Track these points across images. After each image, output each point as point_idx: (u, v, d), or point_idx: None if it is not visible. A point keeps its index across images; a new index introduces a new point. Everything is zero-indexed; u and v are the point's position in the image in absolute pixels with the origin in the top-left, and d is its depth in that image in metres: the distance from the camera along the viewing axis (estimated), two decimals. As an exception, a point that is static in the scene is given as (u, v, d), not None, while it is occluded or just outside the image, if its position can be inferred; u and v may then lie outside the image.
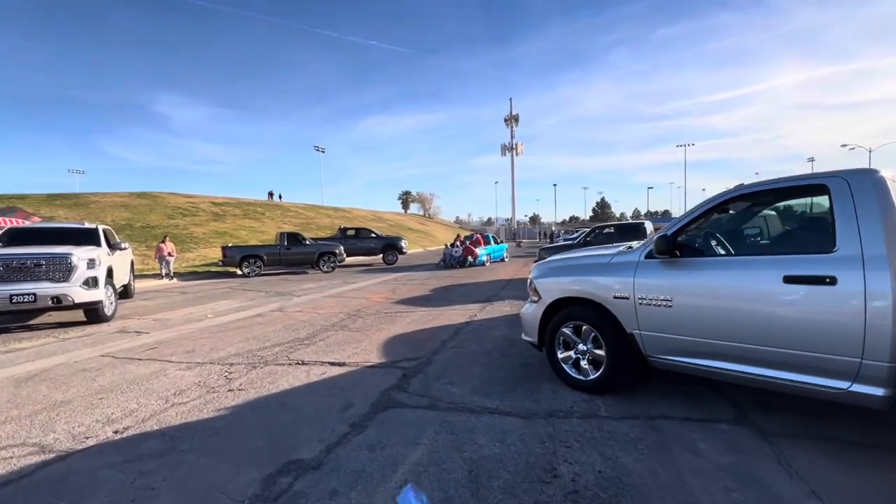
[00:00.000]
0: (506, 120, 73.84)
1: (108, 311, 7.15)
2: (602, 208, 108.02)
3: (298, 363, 4.58)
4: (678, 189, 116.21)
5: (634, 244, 3.60)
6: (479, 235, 20.61)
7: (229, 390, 3.81)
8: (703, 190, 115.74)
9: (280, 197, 44.72)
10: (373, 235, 20.82)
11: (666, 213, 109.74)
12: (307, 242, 16.44)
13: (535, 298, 3.88)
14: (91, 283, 6.67)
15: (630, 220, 12.62)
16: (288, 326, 6.57)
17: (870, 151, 40.82)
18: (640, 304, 3.04)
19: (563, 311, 3.62)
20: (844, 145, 40.49)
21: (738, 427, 2.81)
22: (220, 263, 15.34)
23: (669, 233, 2.97)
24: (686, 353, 2.89)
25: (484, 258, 18.29)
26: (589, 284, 3.41)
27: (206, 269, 17.06)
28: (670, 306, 2.90)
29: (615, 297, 3.20)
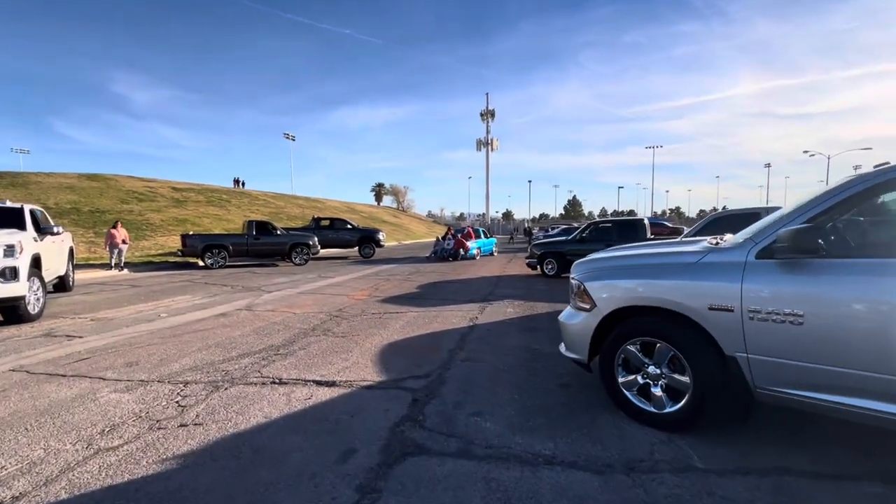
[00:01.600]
0: (482, 114, 72.79)
1: (32, 308, 5.88)
2: (573, 206, 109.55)
3: (275, 382, 3.61)
4: (643, 190, 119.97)
5: (724, 238, 2.84)
6: (470, 229, 20.29)
7: (181, 425, 2.81)
8: (667, 192, 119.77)
9: (243, 184, 42.47)
10: (349, 227, 19.64)
11: (631, 213, 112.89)
12: (278, 232, 15.13)
13: (586, 306, 3.07)
14: (9, 274, 5.40)
15: (629, 217, 12.02)
16: (259, 330, 5.53)
17: (829, 158, 42.67)
18: (752, 318, 2.28)
19: (628, 322, 2.84)
20: (806, 152, 42.21)
21: (893, 488, 2.09)
22: (180, 253, 13.85)
23: (801, 224, 2.21)
24: (820, 386, 2.15)
25: (475, 251, 18.09)
26: (670, 290, 2.62)
27: (164, 259, 15.46)
28: (800, 323, 2.14)
29: (711, 309, 2.42)
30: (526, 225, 76.88)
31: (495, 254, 21.38)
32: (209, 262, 13.68)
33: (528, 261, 11.60)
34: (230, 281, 10.76)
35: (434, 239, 20.86)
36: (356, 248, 19.36)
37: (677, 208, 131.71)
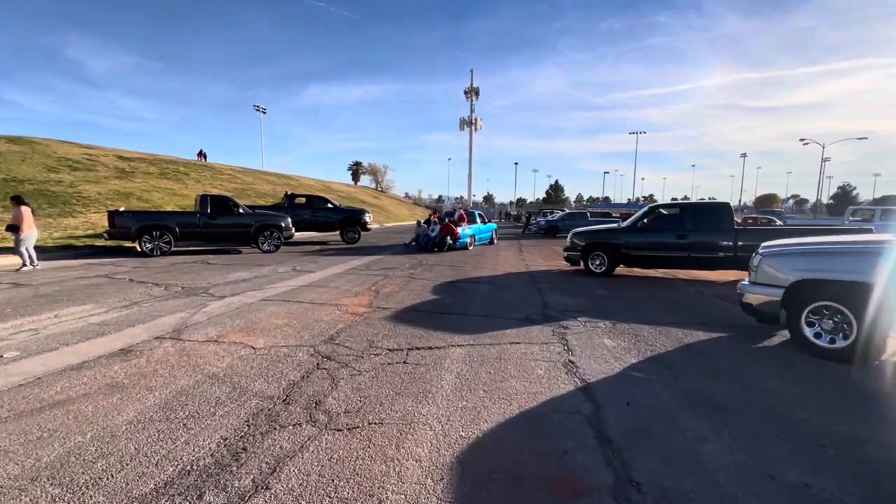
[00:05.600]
0: (466, 92, 69.20)
1: None
2: (555, 191, 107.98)
3: None
4: (621, 176, 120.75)
5: None
6: (463, 211, 16.34)
7: None
8: (643, 179, 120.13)
9: (205, 157, 38.26)
10: (329, 206, 16.57)
11: (607, 199, 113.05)
12: (240, 211, 12.00)
13: None
14: None
15: (708, 201, 9.60)
16: (176, 400, 2.78)
17: (823, 147, 41.88)
18: None
19: None
20: (802, 140, 41.17)
21: None
22: (106, 236, 10.58)
23: None
24: None
25: (467, 240, 14.34)
26: None
27: (91, 242, 12.12)
28: None
29: None
30: (509, 210, 74.66)
31: (495, 241, 17.73)
32: (147, 247, 10.49)
33: (567, 254, 9.06)
34: (168, 277, 7.76)
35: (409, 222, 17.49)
36: (337, 232, 16.42)
37: (651, 195, 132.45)
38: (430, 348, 3.99)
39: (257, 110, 58.11)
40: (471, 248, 14.49)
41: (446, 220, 14.61)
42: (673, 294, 6.98)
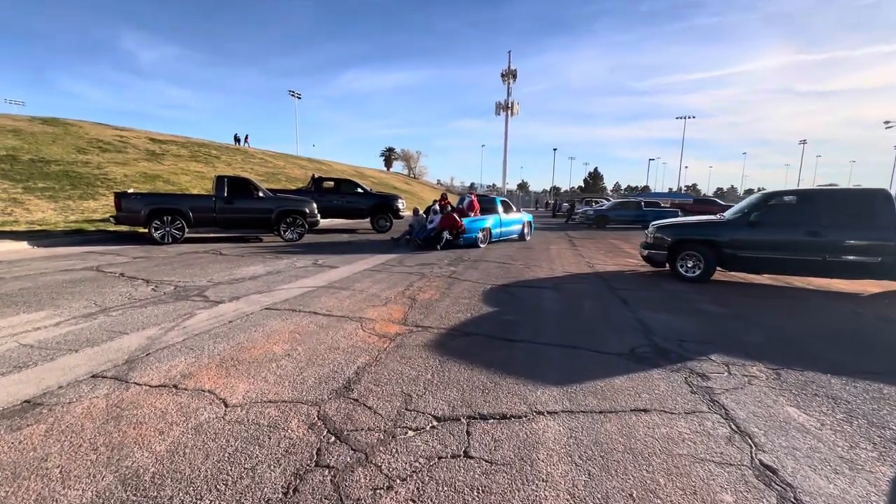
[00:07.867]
0: (503, 75, 66.22)
1: None
2: (594, 179, 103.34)
3: None
4: (663, 164, 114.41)
5: None
6: (474, 197, 12.62)
7: None
8: (686, 167, 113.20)
9: (239, 141, 37.96)
10: (359, 191, 15.22)
11: (646, 189, 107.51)
12: (260, 195, 10.77)
13: None
14: None
15: (854, 187, 7.60)
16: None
17: (911, 131, 36.99)
18: None
19: None
20: (887, 122, 36.46)
21: None
22: (113, 220, 9.58)
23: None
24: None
25: (478, 234, 10.78)
26: None
27: (104, 226, 11.25)
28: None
29: None
30: (549, 198, 71.54)
31: (527, 236, 13.44)
32: (158, 234, 9.43)
33: (648, 252, 7.24)
34: (167, 271, 6.55)
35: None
36: (367, 219, 15.07)
37: (694, 185, 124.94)
38: (505, 418, 2.43)
39: (292, 95, 57.95)
40: (482, 245, 11.02)
41: (449, 209, 11.14)
42: (815, 314, 5.10)
